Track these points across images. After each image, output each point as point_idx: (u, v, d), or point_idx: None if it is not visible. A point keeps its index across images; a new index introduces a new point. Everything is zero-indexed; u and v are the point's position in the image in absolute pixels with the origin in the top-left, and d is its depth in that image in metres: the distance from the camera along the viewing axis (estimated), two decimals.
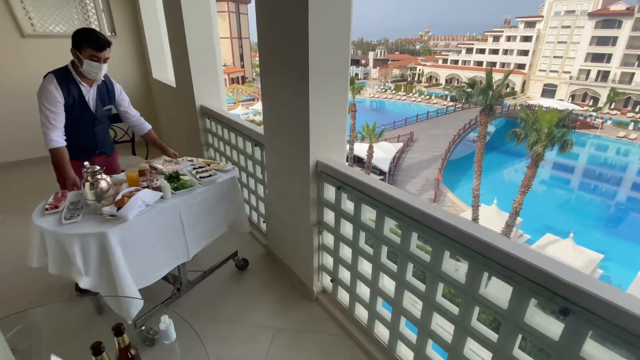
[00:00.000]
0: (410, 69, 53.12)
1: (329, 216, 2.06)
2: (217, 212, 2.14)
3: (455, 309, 1.41)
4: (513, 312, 1.18)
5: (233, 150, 3.12)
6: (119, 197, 1.73)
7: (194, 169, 2.24)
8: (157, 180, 1.95)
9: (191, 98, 3.53)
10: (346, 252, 2.01)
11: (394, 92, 45.12)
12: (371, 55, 57.83)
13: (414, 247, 1.54)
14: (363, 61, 56.96)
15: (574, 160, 26.32)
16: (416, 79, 52.32)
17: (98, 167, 1.75)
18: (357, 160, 20.52)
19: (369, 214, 1.78)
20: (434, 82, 49.58)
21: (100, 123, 2.31)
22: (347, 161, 2.10)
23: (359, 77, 53.50)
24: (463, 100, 19.77)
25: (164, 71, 5.08)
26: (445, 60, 51.56)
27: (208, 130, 3.57)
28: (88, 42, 2.00)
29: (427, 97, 41.84)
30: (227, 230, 2.32)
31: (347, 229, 1.96)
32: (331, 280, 2.16)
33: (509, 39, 44.72)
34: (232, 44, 42.87)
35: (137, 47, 5.18)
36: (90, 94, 2.18)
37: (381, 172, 19.19)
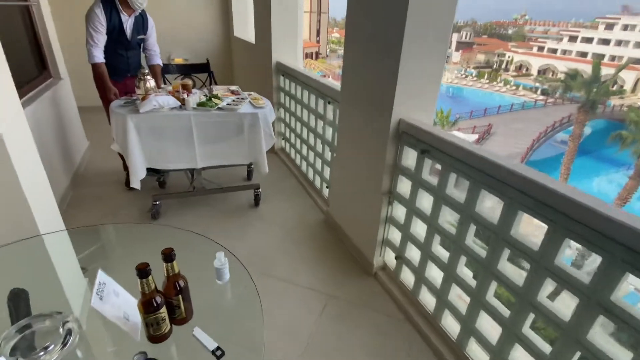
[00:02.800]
0: (498, 55, 48.14)
1: (405, 185, 1.81)
2: (231, 140, 2.40)
3: (566, 315, 1.10)
4: None
5: (304, 109, 2.97)
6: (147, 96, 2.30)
7: (237, 99, 2.56)
8: (194, 94, 2.41)
9: (268, 54, 3.45)
10: (419, 228, 1.76)
11: (475, 79, 41.57)
12: (455, 37, 53.49)
13: (517, 230, 1.24)
14: (449, 38, 52.75)
15: None
16: (503, 66, 47.34)
17: (147, 71, 2.38)
18: None
19: (457, 187, 1.50)
20: (524, 71, 44.48)
21: (132, 49, 2.66)
22: None
23: None
24: (557, 94, 17.40)
25: (244, 30, 5.08)
26: (541, 49, 45.72)
27: (281, 88, 3.47)
28: None
29: (514, 87, 37.81)
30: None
31: (424, 202, 1.70)
32: (396, 257, 1.93)
33: (626, 27, 37.96)
34: (310, 18, 42.65)
35: (222, 7, 5.24)
36: (128, 22, 2.53)
37: None
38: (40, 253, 1.49)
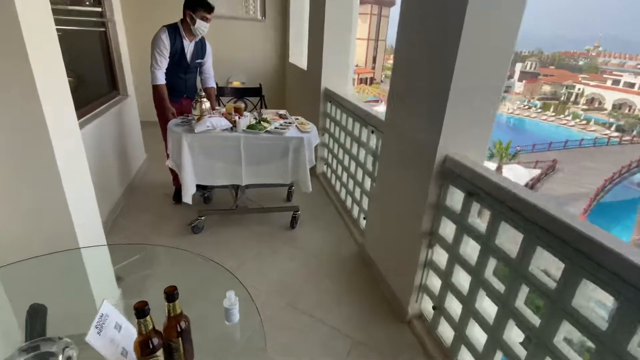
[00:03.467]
0: (567, 87, 44.98)
1: (448, 228, 1.64)
2: (277, 161, 2.44)
3: None
4: None
5: (347, 136, 2.92)
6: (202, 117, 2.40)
7: (284, 123, 2.60)
8: (245, 117, 2.46)
9: (318, 80, 3.49)
10: (462, 279, 1.57)
11: (539, 110, 39.04)
12: (518, 66, 51.12)
13: (581, 300, 1.03)
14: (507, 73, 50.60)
15: None
16: (572, 99, 44.04)
17: (204, 94, 2.55)
18: None
19: (507, 237, 1.32)
20: (596, 105, 40.99)
21: (190, 72, 2.84)
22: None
23: None
24: (635, 132, 15.73)
25: (299, 57, 5.25)
26: (616, 82, 41.97)
27: (327, 114, 3.46)
28: (202, 5, 2.51)
29: (584, 121, 34.92)
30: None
31: (469, 249, 1.52)
32: (433, 308, 1.74)
33: None
34: (368, 46, 43.55)
35: (280, 33, 5.47)
36: (189, 47, 2.70)
37: None
38: (76, 265, 1.55)
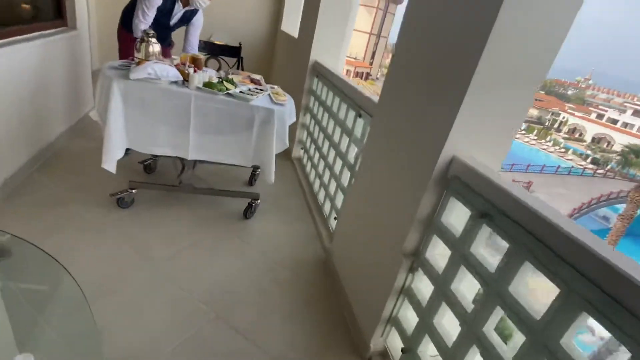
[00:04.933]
0: (552, 114, 46.09)
1: (439, 252, 1.23)
2: (236, 135, 1.97)
3: None
4: None
5: (331, 119, 2.47)
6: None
7: (254, 88, 2.13)
8: (203, 72, 2.02)
9: (307, 50, 3.01)
10: (448, 323, 1.17)
11: (523, 132, 39.82)
12: None
13: None
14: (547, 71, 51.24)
15: None
16: (556, 125, 45.19)
17: (153, 32, 2.00)
18: None
19: (527, 280, 0.92)
20: (576, 135, 42.19)
21: (170, 31, 2.58)
22: None
23: None
24: (608, 167, 16.15)
25: (293, 27, 4.72)
26: (600, 116, 43.28)
27: (312, 91, 3.00)
28: None
29: (563, 150, 35.91)
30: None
31: (466, 288, 1.12)
32: (402, 350, 1.34)
33: None
34: (369, 40, 42.76)
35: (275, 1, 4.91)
36: (178, 13, 2.42)
37: None
38: None
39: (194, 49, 2.69)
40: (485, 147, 1.15)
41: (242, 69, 3.22)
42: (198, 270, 1.78)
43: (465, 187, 1.09)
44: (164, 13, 2.35)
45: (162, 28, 2.43)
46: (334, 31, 2.95)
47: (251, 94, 1.99)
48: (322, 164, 2.58)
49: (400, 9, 43.57)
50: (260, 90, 2.13)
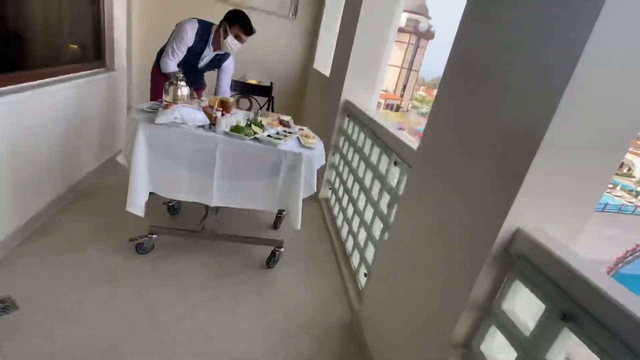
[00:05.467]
0: None
1: (498, 346, 0.98)
2: (261, 180, 1.87)
3: None
4: None
5: (362, 161, 2.30)
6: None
7: (283, 131, 2.05)
8: (232, 115, 1.93)
9: (339, 89, 2.91)
10: None
11: None
12: None
13: None
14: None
15: None
16: None
17: (182, 76, 1.92)
18: None
19: None
20: (625, 170, 39.44)
21: (199, 73, 2.55)
22: None
23: None
24: None
25: (325, 64, 4.72)
26: None
27: (343, 131, 2.87)
28: (241, 23, 2.19)
29: (610, 185, 33.52)
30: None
31: None
32: None
33: None
34: (400, 74, 43.31)
35: (309, 35, 4.96)
36: (208, 55, 2.38)
37: None
38: None
39: (224, 93, 2.65)
40: (559, 218, 0.92)
41: (273, 109, 3.17)
42: (210, 333, 1.59)
43: (535, 270, 0.86)
44: (194, 54, 2.32)
45: (192, 69, 2.41)
46: (367, 69, 2.85)
47: (279, 138, 1.88)
48: (350, 209, 2.39)
49: (432, 44, 44.13)
50: (289, 133, 2.02)
